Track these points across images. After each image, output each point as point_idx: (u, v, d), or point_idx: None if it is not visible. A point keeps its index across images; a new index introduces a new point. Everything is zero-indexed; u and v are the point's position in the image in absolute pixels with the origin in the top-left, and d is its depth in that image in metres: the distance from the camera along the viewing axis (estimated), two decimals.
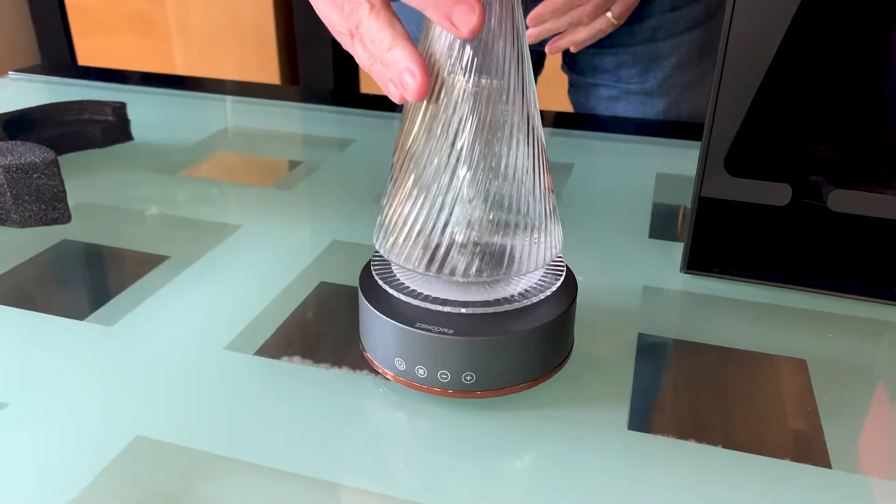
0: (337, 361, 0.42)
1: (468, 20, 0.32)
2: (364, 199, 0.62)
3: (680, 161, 0.70)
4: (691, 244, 0.49)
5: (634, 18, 0.78)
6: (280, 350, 0.43)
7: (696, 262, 0.50)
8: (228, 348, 0.42)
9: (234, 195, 0.63)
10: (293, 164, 0.71)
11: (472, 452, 0.36)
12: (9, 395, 0.38)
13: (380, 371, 0.39)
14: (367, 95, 0.89)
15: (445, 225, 0.36)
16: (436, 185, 0.35)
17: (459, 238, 0.36)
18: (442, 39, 0.34)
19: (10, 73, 0.97)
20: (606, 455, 0.35)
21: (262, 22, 1.95)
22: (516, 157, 0.35)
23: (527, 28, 0.72)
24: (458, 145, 0.34)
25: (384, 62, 0.35)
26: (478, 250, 0.36)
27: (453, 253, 0.36)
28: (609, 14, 0.71)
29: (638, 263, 0.52)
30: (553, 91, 0.97)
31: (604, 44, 0.80)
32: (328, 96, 0.90)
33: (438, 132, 0.35)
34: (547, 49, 0.76)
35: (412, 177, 0.36)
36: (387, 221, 0.38)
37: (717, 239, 0.49)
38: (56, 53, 2.11)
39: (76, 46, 2.10)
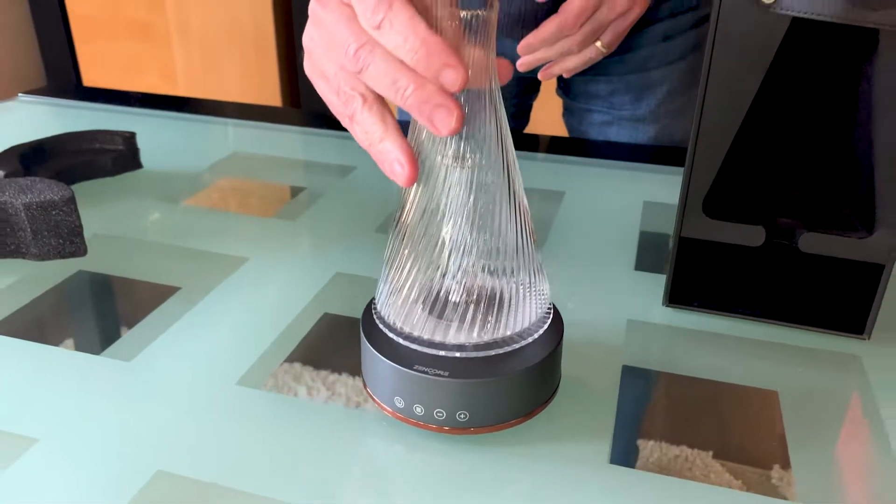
0: (341, 396, 0.45)
1: (447, 122, 0.35)
2: (365, 229, 0.65)
3: (667, 188, 0.73)
4: (672, 280, 0.52)
5: (626, 48, 0.81)
6: (287, 385, 0.46)
7: (677, 297, 0.53)
8: (240, 384, 0.45)
9: (239, 226, 0.66)
10: (296, 191, 0.74)
11: (466, 486, 0.39)
12: (39, 430, 0.41)
13: (380, 407, 0.42)
14: None
15: (440, 292, 0.39)
16: (428, 256, 0.39)
17: (454, 298, 0.40)
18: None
19: (19, 95, 1.00)
20: (587, 489, 0.39)
21: (262, 28, 1.98)
22: (502, 226, 0.38)
23: (519, 57, 0.75)
24: (449, 220, 0.38)
25: (377, 151, 0.38)
26: (470, 312, 0.40)
27: (448, 314, 0.40)
28: (598, 43, 0.74)
29: (623, 296, 0.56)
30: (549, 114, 1.00)
31: (597, 71, 0.84)
32: (329, 121, 0.93)
33: (431, 209, 0.38)
34: (540, 76, 0.79)
35: (407, 249, 0.39)
36: (388, 288, 0.41)
37: (697, 275, 0.52)
38: (58, 59, 2.14)
39: (78, 52, 2.12)
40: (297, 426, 0.42)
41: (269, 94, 2.05)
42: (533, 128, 1.01)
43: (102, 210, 0.67)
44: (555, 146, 0.86)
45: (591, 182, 0.76)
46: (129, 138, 0.75)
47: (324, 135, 0.88)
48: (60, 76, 2.12)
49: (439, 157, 0.37)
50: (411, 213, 0.39)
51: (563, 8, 0.70)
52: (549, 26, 0.71)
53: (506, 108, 0.99)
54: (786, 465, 0.41)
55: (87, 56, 2.15)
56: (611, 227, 0.66)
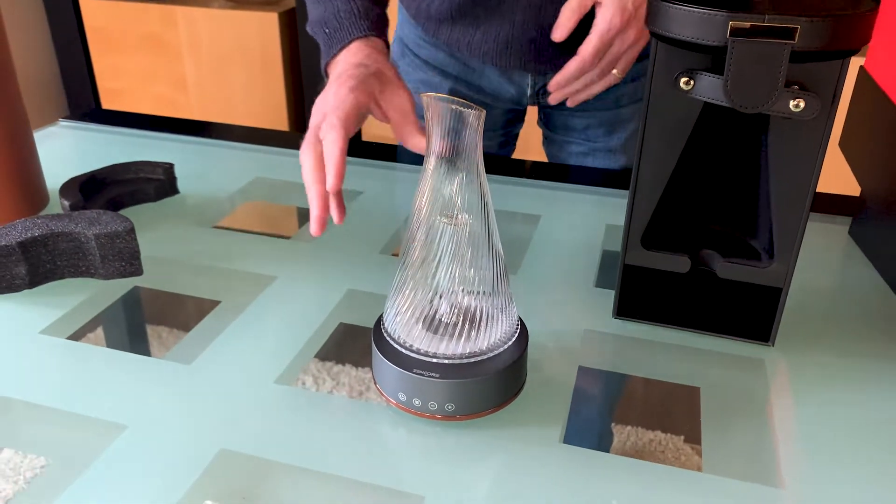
0: (356, 391, 0.58)
1: (313, 227, 0.65)
2: (372, 251, 0.78)
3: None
4: (619, 297, 0.65)
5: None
6: (314, 383, 0.59)
7: (623, 311, 0.66)
8: (277, 382, 0.58)
9: (265, 247, 0.79)
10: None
11: (453, 460, 0.52)
12: (127, 418, 0.54)
13: (387, 401, 0.55)
14: (370, 144, 1.04)
15: (433, 314, 0.52)
16: (426, 289, 0.52)
17: (444, 319, 0.53)
18: (427, 194, 0.50)
19: (59, 121, 1.12)
20: (544, 462, 0.52)
21: (268, 43, 2.10)
22: (482, 267, 0.51)
23: (548, 93, 0.88)
24: (442, 263, 0.51)
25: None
26: (456, 329, 0.52)
27: (440, 331, 0.53)
28: (615, 71, 0.87)
29: (582, 309, 0.68)
30: (536, 140, 1.12)
31: (574, 107, 0.96)
32: None
33: (430, 255, 0.51)
34: (569, 104, 0.91)
35: (411, 283, 0.52)
36: (394, 310, 0.54)
37: (639, 294, 0.65)
38: (75, 70, 2.26)
39: (94, 64, 2.24)
40: (323, 415, 0.55)
41: (275, 104, 2.17)
42: (519, 153, 1.13)
43: (147, 234, 0.79)
44: (532, 172, 0.99)
45: (562, 206, 0.89)
46: (169, 169, 0.87)
47: None
48: (77, 85, 2.24)
49: (436, 218, 0.50)
50: (415, 256, 0.52)
51: (581, 50, 0.82)
52: (571, 67, 0.83)
53: (494, 138, 1.14)
54: (697, 442, 0.54)
55: (103, 67, 2.27)
56: (578, 248, 0.79)
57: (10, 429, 0.53)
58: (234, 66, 2.13)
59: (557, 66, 0.87)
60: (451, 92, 1.02)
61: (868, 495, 0.50)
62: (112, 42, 2.21)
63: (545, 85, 0.98)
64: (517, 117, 1.08)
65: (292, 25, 2.12)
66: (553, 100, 0.88)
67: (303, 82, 2.14)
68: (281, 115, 2.18)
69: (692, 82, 0.54)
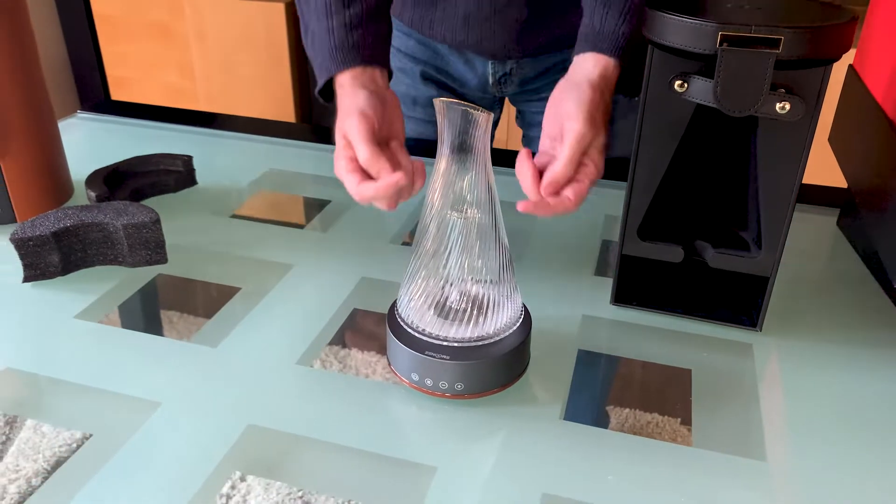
0: (373, 372, 0.62)
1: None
2: (383, 240, 0.82)
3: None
4: (617, 285, 0.69)
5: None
6: (333, 364, 0.63)
7: (620, 298, 0.70)
8: (298, 363, 0.63)
9: (280, 236, 0.83)
10: (323, 204, 0.91)
11: (462, 435, 0.56)
12: (161, 396, 0.58)
13: (401, 380, 0.59)
14: None
15: (444, 300, 0.57)
16: (437, 277, 0.56)
17: (454, 305, 0.57)
18: (439, 190, 0.54)
19: (78, 112, 1.16)
20: (545, 437, 0.56)
21: (275, 33, 2.13)
22: (489, 257, 0.55)
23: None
24: (453, 254, 0.55)
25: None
26: (465, 315, 0.57)
27: (450, 316, 0.57)
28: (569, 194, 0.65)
29: (582, 296, 0.73)
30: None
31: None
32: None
33: (442, 246, 0.55)
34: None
35: (423, 272, 0.56)
36: (407, 297, 0.58)
37: (635, 282, 0.69)
38: (83, 57, 2.28)
39: (102, 51, 2.27)
40: (342, 394, 0.60)
41: (282, 93, 2.20)
42: (517, 145, 1.17)
43: (171, 223, 0.83)
44: None
45: None
46: (188, 161, 0.91)
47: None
48: (86, 72, 2.27)
49: (447, 211, 0.54)
50: (427, 247, 0.56)
51: (547, 175, 0.65)
52: (552, 171, 0.65)
53: None
54: (688, 421, 0.59)
55: (111, 55, 2.30)
56: (578, 238, 0.83)
57: (54, 406, 0.58)
58: (240, 54, 2.16)
59: (511, 53, 0.94)
60: (422, 75, 1.04)
61: (846, 467, 0.54)
62: (120, 30, 2.24)
63: (505, 74, 1.02)
64: (488, 106, 1.11)
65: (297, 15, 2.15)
66: (522, 208, 0.66)
67: (308, 71, 2.18)
68: (287, 103, 2.21)
69: (685, 85, 0.58)
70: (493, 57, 1.00)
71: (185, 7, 2.14)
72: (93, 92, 2.35)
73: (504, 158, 1.01)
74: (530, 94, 1.05)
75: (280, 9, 2.09)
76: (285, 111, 2.21)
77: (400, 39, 1.04)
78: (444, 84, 1.05)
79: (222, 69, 2.20)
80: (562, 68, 0.96)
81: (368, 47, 0.73)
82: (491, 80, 1.03)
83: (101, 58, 2.30)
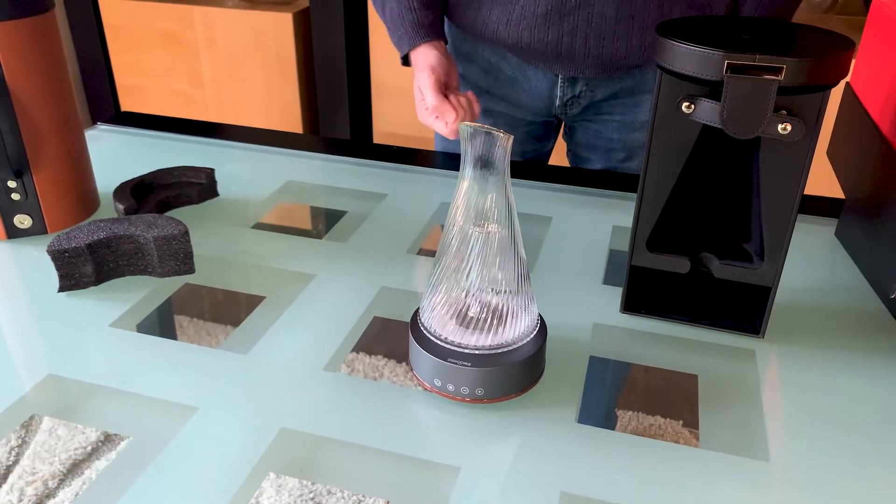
0: (396, 378, 0.65)
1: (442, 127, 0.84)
2: (400, 250, 0.85)
3: (631, 214, 0.93)
4: (626, 294, 0.73)
5: (626, 110, 1.04)
6: (357, 370, 0.66)
7: (629, 306, 0.74)
8: (326, 369, 0.66)
9: (301, 247, 0.86)
10: (340, 215, 0.94)
11: (482, 437, 0.60)
12: (198, 401, 0.62)
13: (423, 386, 0.63)
14: (391, 149, 1.12)
15: (465, 310, 0.60)
16: (459, 288, 0.60)
17: (474, 315, 0.60)
18: (461, 207, 0.58)
19: (98, 124, 1.19)
20: (561, 439, 0.59)
21: (283, 42, 2.16)
22: (507, 269, 0.59)
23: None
24: (474, 267, 0.58)
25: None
26: (485, 324, 0.60)
27: (470, 325, 0.60)
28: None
29: (592, 305, 0.76)
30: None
31: (600, 132, 1.05)
32: (363, 151, 1.13)
33: (463, 260, 0.59)
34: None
35: (445, 284, 0.59)
36: (430, 306, 0.62)
37: (644, 291, 0.73)
38: (94, 66, 2.32)
39: (112, 61, 2.31)
40: (367, 398, 0.63)
41: (289, 102, 2.24)
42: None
43: (195, 234, 0.87)
44: (542, 175, 1.06)
45: (572, 208, 0.96)
46: (210, 173, 0.94)
47: (359, 164, 1.08)
48: (96, 82, 2.31)
49: (468, 226, 0.58)
50: (450, 260, 0.59)
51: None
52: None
53: (529, 152, 1.22)
54: (695, 425, 0.62)
55: (121, 64, 2.33)
56: (587, 248, 0.87)
57: (95, 411, 0.61)
58: (249, 63, 2.20)
59: (585, 61, 0.96)
60: (486, 110, 1.12)
61: (845, 468, 0.58)
62: (130, 39, 2.27)
63: (574, 96, 1.05)
64: (547, 133, 1.16)
65: (306, 25, 2.18)
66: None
67: (316, 81, 2.21)
68: (295, 112, 2.25)
69: (692, 106, 0.62)
70: (565, 68, 1.01)
71: (195, 16, 2.18)
72: (102, 100, 2.38)
73: (516, 170, 1.05)
74: (590, 115, 1.09)
75: (288, 18, 2.12)
76: (293, 119, 2.25)
77: (462, 66, 1.10)
78: (506, 113, 1.11)
79: (231, 78, 2.24)
80: (629, 92, 1.01)
81: (437, 23, 1.00)
82: (558, 103, 1.07)
83: (111, 67, 2.34)
